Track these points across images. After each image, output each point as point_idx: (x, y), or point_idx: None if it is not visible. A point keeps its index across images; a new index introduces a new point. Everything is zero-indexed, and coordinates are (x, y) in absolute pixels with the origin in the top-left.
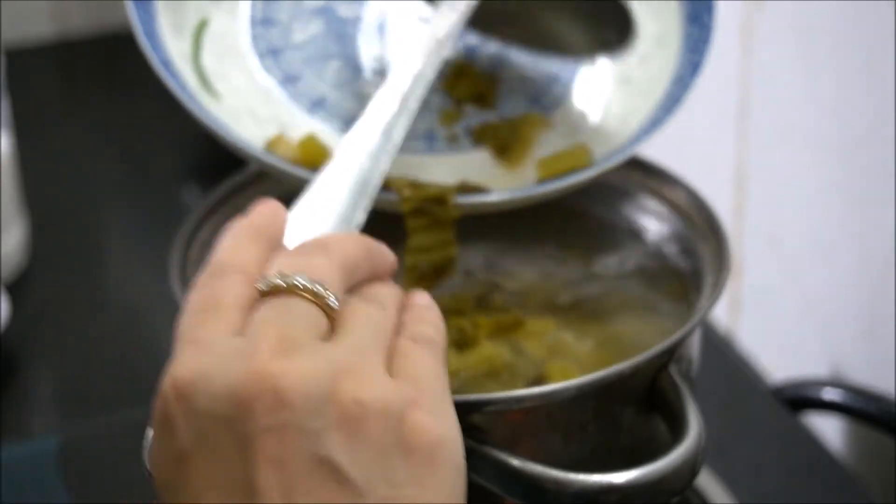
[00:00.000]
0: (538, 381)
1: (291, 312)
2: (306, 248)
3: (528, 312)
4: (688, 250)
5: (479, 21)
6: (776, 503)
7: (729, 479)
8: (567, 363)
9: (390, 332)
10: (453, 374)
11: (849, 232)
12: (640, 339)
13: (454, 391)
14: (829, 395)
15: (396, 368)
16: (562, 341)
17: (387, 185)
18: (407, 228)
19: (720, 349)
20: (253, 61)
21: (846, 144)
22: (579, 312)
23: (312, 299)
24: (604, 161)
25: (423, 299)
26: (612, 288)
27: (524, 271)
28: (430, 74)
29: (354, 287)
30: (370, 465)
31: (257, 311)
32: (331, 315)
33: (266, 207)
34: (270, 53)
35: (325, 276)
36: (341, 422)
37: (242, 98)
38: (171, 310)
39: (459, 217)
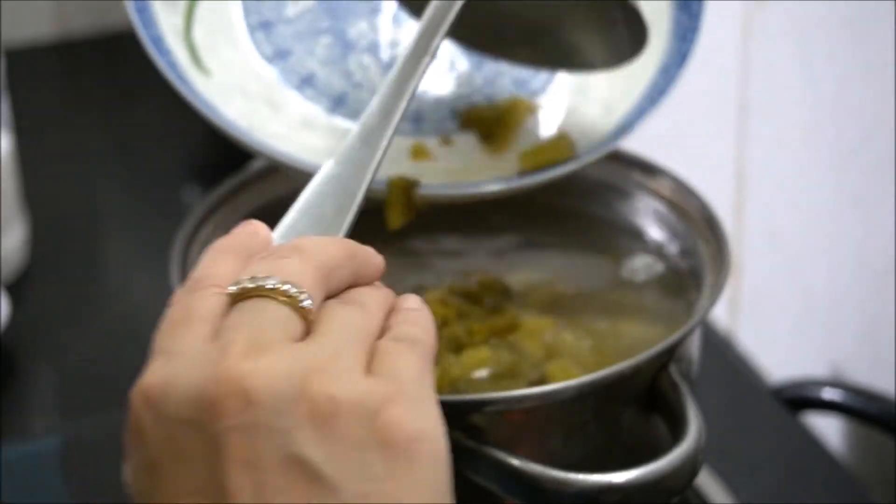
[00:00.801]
0: (540, 381)
1: (261, 315)
2: (280, 251)
3: (527, 312)
4: (688, 250)
5: (484, 37)
6: (776, 503)
7: (728, 479)
8: (568, 363)
9: (371, 333)
10: (453, 382)
11: (848, 231)
12: (640, 339)
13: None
14: (829, 394)
15: (376, 367)
16: (562, 341)
17: None
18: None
19: (720, 349)
20: (243, 35)
21: (846, 144)
22: (579, 312)
23: (285, 300)
24: (586, 154)
25: (412, 302)
26: (612, 288)
27: (524, 271)
28: (415, 85)
29: (337, 291)
30: (344, 462)
31: (228, 317)
32: (305, 316)
33: (247, 226)
34: (262, 27)
35: (299, 278)
36: (312, 418)
37: (232, 74)
38: None
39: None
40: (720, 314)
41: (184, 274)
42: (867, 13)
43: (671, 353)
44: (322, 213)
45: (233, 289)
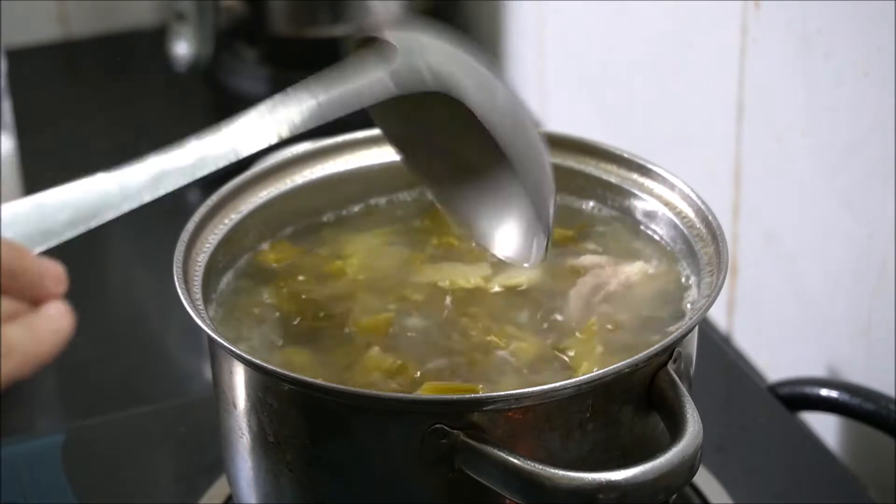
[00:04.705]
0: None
1: None
2: None
3: (524, 311)
4: (685, 250)
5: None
6: (773, 502)
7: (726, 478)
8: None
9: None
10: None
11: (845, 231)
12: (639, 338)
13: None
14: (826, 393)
15: None
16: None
17: None
18: None
19: (718, 348)
20: None
21: (843, 144)
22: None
23: None
24: None
25: (54, 308)
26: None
27: (520, 269)
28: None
29: None
30: None
31: None
32: None
33: None
34: None
35: None
36: None
37: None
38: (172, 310)
39: None
40: (718, 314)
41: (186, 275)
42: (866, 13)
43: (669, 352)
44: (55, 219)
45: None
